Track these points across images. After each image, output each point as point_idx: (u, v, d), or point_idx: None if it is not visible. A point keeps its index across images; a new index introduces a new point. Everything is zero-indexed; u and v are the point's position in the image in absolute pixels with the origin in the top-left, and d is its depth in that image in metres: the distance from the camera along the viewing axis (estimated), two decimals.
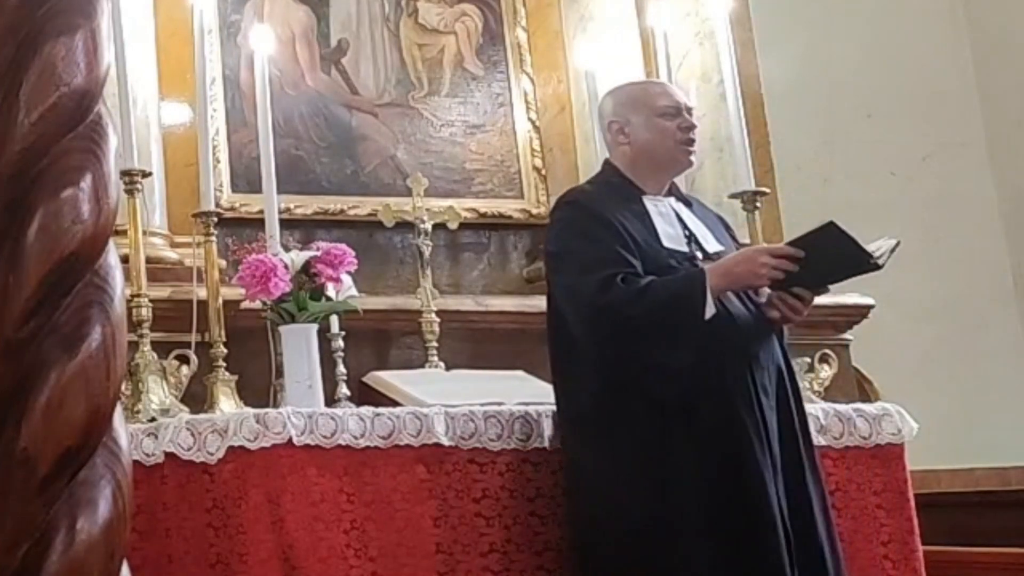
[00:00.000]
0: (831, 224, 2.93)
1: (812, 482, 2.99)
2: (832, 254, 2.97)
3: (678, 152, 3.10)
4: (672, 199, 3.13)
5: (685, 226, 3.08)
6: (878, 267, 2.99)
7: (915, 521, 3.39)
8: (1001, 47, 5.35)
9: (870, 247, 2.98)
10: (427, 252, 3.87)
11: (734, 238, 3.26)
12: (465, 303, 4.04)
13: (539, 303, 4.13)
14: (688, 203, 3.18)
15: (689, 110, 3.14)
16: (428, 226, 3.89)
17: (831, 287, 3.14)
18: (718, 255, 3.04)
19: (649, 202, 3.09)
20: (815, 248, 2.95)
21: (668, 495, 2.85)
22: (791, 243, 3.03)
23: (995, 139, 5.32)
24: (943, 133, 5.29)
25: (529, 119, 4.42)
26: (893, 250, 3.01)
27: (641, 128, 3.10)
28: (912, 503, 3.40)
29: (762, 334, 3.01)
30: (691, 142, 3.10)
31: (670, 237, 3.03)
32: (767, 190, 4.04)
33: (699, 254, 3.03)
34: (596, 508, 2.94)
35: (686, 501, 2.85)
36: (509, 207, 4.33)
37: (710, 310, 2.86)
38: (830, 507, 3.05)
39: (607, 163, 3.21)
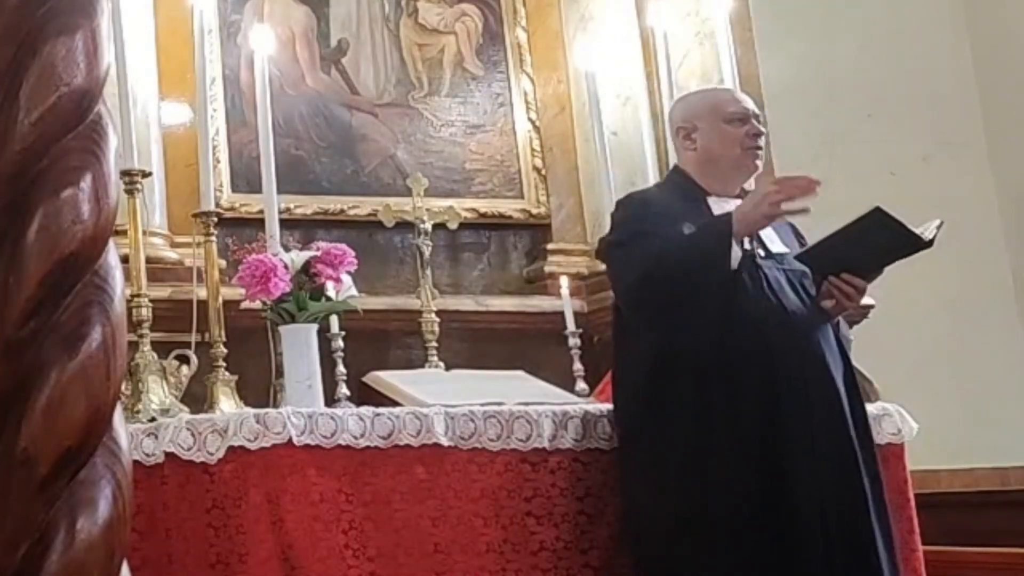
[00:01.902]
0: (877, 210, 2.95)
1: (868, 481, 2.98)
2: (881, 239, 2.98)
3: (744, 158, 3.15)
4: (739, 201, 3.16)
5: None
6: (929, 245, 3.01)
7: (915, 521, 3.39)
8: (1001, 47, 5.35)
9: (916, 229, 3.00)
10: (427, 252, 3.87)
11: (804, 244, 3.26)
12: (465, 303, 4.04)
13: (539, 303, 4.14)
14: None
15: (757, 116, 3.19)
16: (428, 226, 3.89)
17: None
18: (781, 256, 3.07)
19: (714, 202, 3.14)
20: (863, 234, 2.97)
21: (710, 492, 2.88)
22: (834, 233, 3.04)
23: (995, 139, 5.32)
24: (943, 133, 5.28)
25: (529, 119, 4.42)
26: (939, 228, 3.04)
27: (708, 134, 3.16)
28: (912, 503, 3.40)
29: (815, 325, 3.02)
30: (758, 148, 3.15)
31: None
32: None
33: (761, 252, 3.05)
34: (644, 504, 2.97)
35: (728, 499, 2.87)
36: (509, 207, 4.33)
37: (735, 259, 2.92)
38: (887, 506, 3.04)
39: (675, 167, 3.28)
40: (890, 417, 3.43)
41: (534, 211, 4.35)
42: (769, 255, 3.07)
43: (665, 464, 2.94)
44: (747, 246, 3.05)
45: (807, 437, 2.91)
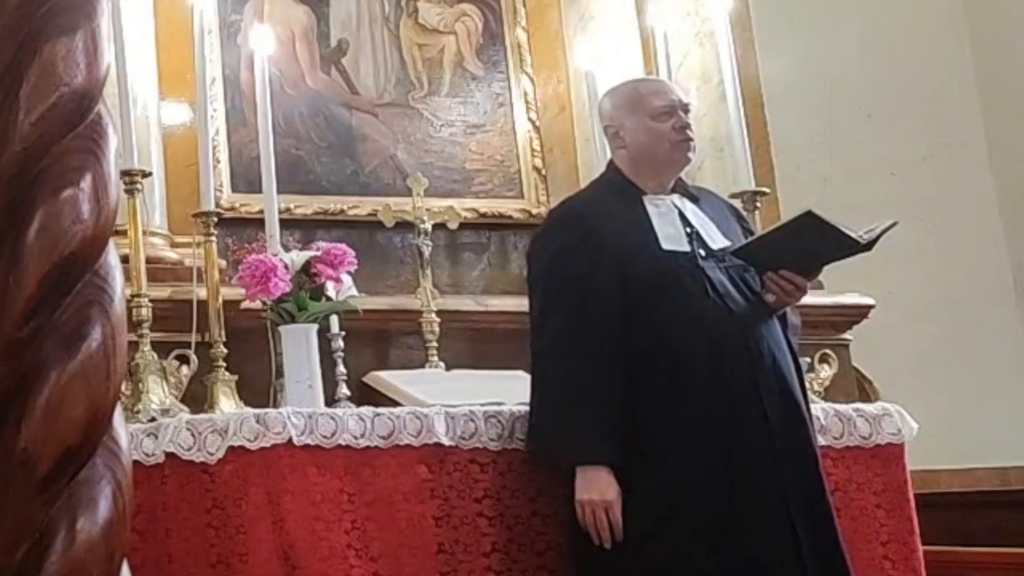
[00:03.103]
0: (809, 213, 2.95)
1: (823, 475, 2.99)
2: (816, 241, 2.98)
3: (674, 153, 3.10)
4: (676, 196, 3.13)
5: (688, 224, 3.08)
6: (867, 248, 3.00)
7: (915, 521, 3.39)
8: (1001, 47, 5.35)
9: (861, 231, 2.98)
10: (427, 252, 3.87)
11: (747, 228, 3.25)
12: (465, 303, 4.04)
13: None
14: (695, 198, 3.17)
15: (684, 106, 3.13)
16: (428, 226, 3.89)
17: (826, 274, 3.14)
18: (723, 251, 3.05)
19: (649, 202, 3.09)
20: (795, 236, 2.97)
21: (666, 493, 2.86)
22: (769, 232, 3.05)
23: (995, 139, 5.32)
24: (943, 133, 5.28)
25: (529, 119, 4.42)
26: (887, 230, 3.01)
27: (635, 131, 3.11)
28: (912, 503, 3.40)
29: (762, 323, 3.02)
30: (687, 140, 3.10)
31: (669, 238, 3.03)
32: (767, 190, 4.04)
33: (702, 252, 3.03)
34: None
35: (685, 499, 2.85)
36: (509, 207, 4.33)
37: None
38: (831, 501, 3.04)
39: (610, 163, 3.23)
40: (890, 417, 3.43)
41: (534, 211, 4.34)
42: (710, 254, 3.05)
43: (624, 475, 2.89)
44: (687, 247, 3.04)
45: (765, 438, 2.90)
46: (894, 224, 3.03)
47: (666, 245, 3.02)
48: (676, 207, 3.11)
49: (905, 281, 4.60)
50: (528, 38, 4.48)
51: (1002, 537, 3.92)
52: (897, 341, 4.71)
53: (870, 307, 4.21)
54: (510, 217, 4.33)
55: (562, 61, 4.45)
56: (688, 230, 3.07)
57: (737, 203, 3.82)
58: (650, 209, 3.08)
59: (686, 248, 3.03)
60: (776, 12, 4.77)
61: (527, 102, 4.42)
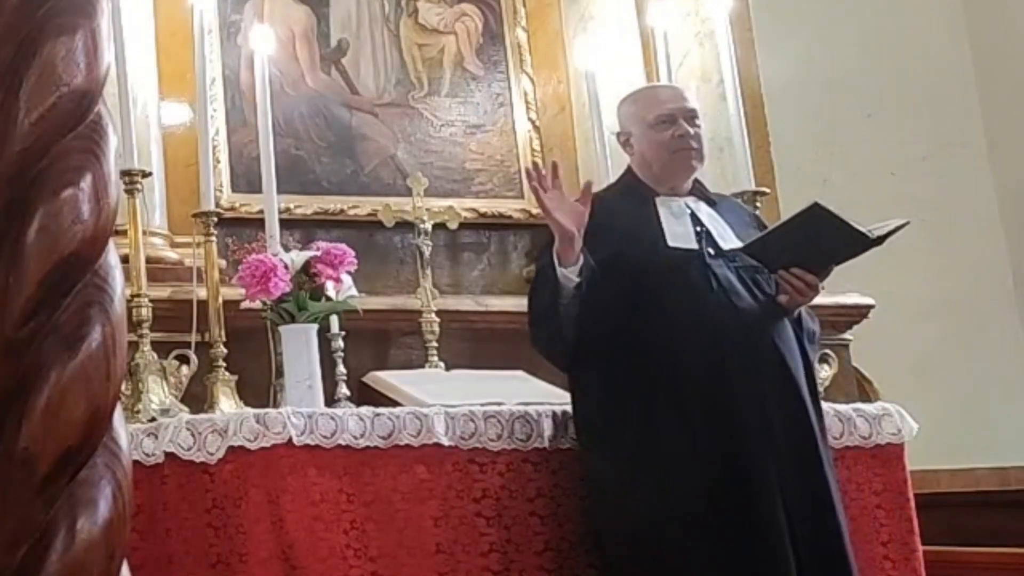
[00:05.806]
0: (815, 205, 2.94)
1: (830, 476, 2.99)
2: (825, 235, 2.97)
3: (674, 161, 3.12)
4: (691, 199, 3.14)
5: (699, 223, 3.09)
6: (878, 243, 2.99)
7: (915, 521, 3.38)
8: (1001, 47, 5.35)
9: (870, 227, 2.98)
10: (427, 252, 3.87)
11: None
12: (465, 303, 4.04)
13: None
14: (713, 203, 3.18)
15: (688, 113, 3.14)
16: (428, 226, 3.89)
17: (836, 272, 3.12)
18: (733, 253, 3.05)
19: (661, 204, 3.12)
20: (803, 229, 2.96)
21: (668, 494, 2.87)
22: (778, 227, 3.04)
23: (995, 139, 5.32)
24: (943, 133, 5.29)
25: (529, 119, 4.42)
26: (898, 229, 3.00)
27: (640, 140, 3.16)
28: (912, 503, 3.40)
29: (770, 322, 3.01)
30: (687, 149, 3.10)
31: (677, 236, 3.05)
32: (767, 190, 4.04)
33: (710, 250, 3.04)
34: (606, 508, 2.97)
35: (685, 499, 2.86)
36: (509, 207, 4.33)
37: (565, 275, 2.91)
38: (837, 499, 3.03)
39: (628, 167, 3.26)
40: (890, 417, 3.43)
41: (534, 211, 4.33)
42: (719, 253, 3.05)
43: (625, 468, 2.92)
44: (694, 245, 3.04)
45: (765, 436, 2.90)
46: (905, 224, 3.02)
47: (672, 242, 3.03)
48: (689, 208, 3.12)
49: (905, 281, 4.60)
50: (528, 38, 4.48)
51: (1002, 537, 3.92)
52: (897, 341, 4.71)
53: (870, 307, 4.21)
54: (510, 217, 4.33)
55: (562, 61, 4.45)
56: (698, 229, 3.07)
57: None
58: (661, 210, 3.10)
59: (693, 246, 3.04)
60: (776, 12, 4.77)
61: (527, 102, 4.43)
